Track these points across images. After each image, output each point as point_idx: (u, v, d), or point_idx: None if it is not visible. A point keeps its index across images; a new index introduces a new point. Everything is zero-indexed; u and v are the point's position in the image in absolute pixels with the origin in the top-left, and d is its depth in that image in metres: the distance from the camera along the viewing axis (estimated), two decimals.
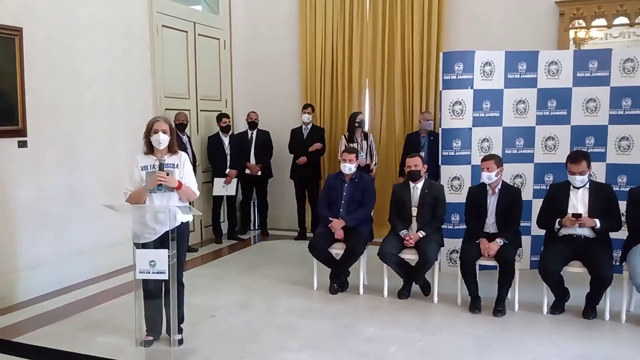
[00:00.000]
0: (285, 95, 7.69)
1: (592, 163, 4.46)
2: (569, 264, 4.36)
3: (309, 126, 7.03)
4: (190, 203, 3.88)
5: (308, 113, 6.96)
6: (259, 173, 7.16)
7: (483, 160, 4.65)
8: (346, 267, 5.02)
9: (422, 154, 6.09)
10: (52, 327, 4.24)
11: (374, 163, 6.73)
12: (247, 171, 7.10)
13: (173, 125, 3.86)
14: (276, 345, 3.89)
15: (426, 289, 4.87)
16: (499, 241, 4.49)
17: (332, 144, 7.28)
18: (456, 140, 5.39)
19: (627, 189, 4.66)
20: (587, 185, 4.41)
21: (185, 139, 6.22)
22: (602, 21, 6.29)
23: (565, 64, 5.35)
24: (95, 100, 5.54)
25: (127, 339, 3.89)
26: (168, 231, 3.58)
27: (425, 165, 4.96)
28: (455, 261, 5.21)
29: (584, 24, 6.40)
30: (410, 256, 4.80)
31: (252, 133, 7.22)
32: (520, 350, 3.81)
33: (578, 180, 4.36)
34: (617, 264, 4.57)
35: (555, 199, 4.49)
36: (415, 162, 4.87)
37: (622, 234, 4.45)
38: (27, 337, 3.98)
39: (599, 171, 5.17)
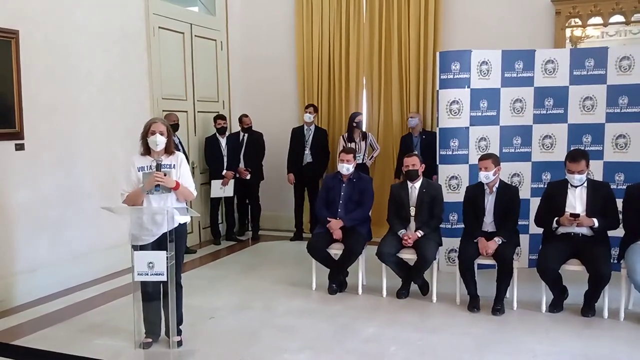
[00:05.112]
0: (282, 95, 7.69)
1: (589, 161, 4.47)
2: (567, 262, 4.37)
3: (312, 127, 7.00)
4: (189, 204, 3.87)
5: (309, 113, 6.93)
6: (248, 177, 7.13)
7: (480, 159, 4.65)
8: (345, 267, 5.02)
9: (417, 153, 6.12)
10: (50, 330, 4.23)
11: (371, 156, 6.78)
12: (237, 175, 7.07)
13: (170, 127, 3.85)
14: (275, 346, 3.88)
15: (425, 289, 4.87)
16: (497, 240, 4.49)
17: (331, 144, 7.26)
18: (453, 139, 5.39)
19: (625, 187, 4.67)
20: (585, 184, 4.42)
21: (176, 140, 6.15)
22: (598, 19, 6.30)
23: (561, 62, 5.36)
24: (92, 102, 5.54)
25: (126, 341, 3.89)
26: (166, 233, 3.58)
27: (423, 165, 4.97)
28: (453, 260, 5.22)
29: (580, 23, 6.41)
30: (409, 256, 4.80)
31: (243, 135, 7.17)
32: (519, 348, 3.81)
33: (576, 179, 4.36)
34: (615, 261, 4.57)
35: (553, 198, 4.49)
36: (413, 162, 4.88)
37: (620, 231, 4.45)
38: (26, 340, 3.97)
39: (596, 169, 5.18)
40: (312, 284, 5.10)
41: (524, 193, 5.27)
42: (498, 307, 4.42)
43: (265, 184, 7.44)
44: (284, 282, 5.35)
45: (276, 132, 7.44)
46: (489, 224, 4.64)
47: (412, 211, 4.87)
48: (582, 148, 4.99)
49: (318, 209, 5.22)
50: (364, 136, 6.77)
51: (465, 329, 4.17)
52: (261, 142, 7.25)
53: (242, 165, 7.11)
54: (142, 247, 3.64)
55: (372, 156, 6.84)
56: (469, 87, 5.34)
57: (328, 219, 5.03)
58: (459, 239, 4.82)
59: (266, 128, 7.40)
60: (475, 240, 4.57)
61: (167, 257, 3.50)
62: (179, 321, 3.85)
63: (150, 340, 3.85)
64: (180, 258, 3.82)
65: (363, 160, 6.63)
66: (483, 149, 5.35)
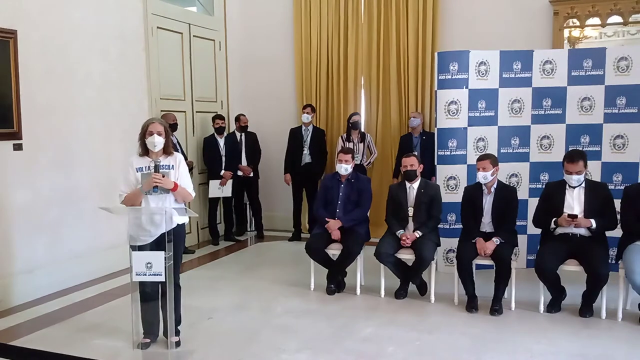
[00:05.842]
0: (280, 96, 7.69)
1: (587, 162, 4.48)
2: (565, 263, 4.37)
3: (310, 127, 7.00)
4: (187, 204, 3.87)
5: (307, 113, 6.93)
6: (251, 174, 7.14)
7: (478, 159, 4.65)
8: (343, 267, 5.02)
9: (415, 153, 6.12)
10: (48, 330, 4.23)
11: (368, 161, 6.76)
12: (239, 173, 7.07)
13: (168, 127, 3.85)
14: (273, 347, 3.88)
15: (423, 289, 4.88)
16: (495, 240, 4.50)
17: (330, 145, 7.27)
18: (452, 139, 5.40)
19: (623, 187, 4.68)
20: (583, 185, 4.43)
21: (174, 140, 6.10)
22: (596, 20, 6.31)
23: (559, 63, 5.37)
24: (90, 102, 5.53)
25: (124, 342, 3.89)
26: (164, 233, 3.58)
27: (422, 165, 4.97)
28: (451, 261, 5.22)
29: (578, 23, 6.43)
30: (407, 256, 4.80)
31: (241, 135, 7.18)
32: (517, 349, 3.82)
33: (574, 179, 4.37)
34: (613, 262, 4.59)
35: (551, 198, 4.50)
36: (411, 162, 4.88)
37: (618, 232, 4.46)
38: (24, 341, 3.96)
39: (594, 170, 5.19)
40: (310, 284, 5.10)
41: (522, 193, 5.28)
42: (496, 308, 4.43)
43: (263, 184, 7.45)
44: (283, 282, 5.35)
45: (274, 133, 7.44)
46: (487, 224, 4.65)
47: (410, 211, 4.87)
48: (580, 149, 5.00)
49: (316, 209, 5.22)
50: (362, 137, 6.77)
51: (463, 329, 4.17)
52: (257, 142, 7.27)
53: (244, 163, 7.11)
54: (141, 248, 3.64)
55: (370, 161, 6.81)
56: (467, 87, 5.35)
57: (326, 219, 5.03)
58: (457, 239, 4.82)
59: (264, 128, 7.39)
60: (473, 241, 4.58)
61: (165, 257, 3.50)
62: (177, 321, 3.85)
63: (148, 340, 3.84)
64: (179, 258, 3.82)
65: (361, 162, 6.62)
66: (481, 150, 5.35)
